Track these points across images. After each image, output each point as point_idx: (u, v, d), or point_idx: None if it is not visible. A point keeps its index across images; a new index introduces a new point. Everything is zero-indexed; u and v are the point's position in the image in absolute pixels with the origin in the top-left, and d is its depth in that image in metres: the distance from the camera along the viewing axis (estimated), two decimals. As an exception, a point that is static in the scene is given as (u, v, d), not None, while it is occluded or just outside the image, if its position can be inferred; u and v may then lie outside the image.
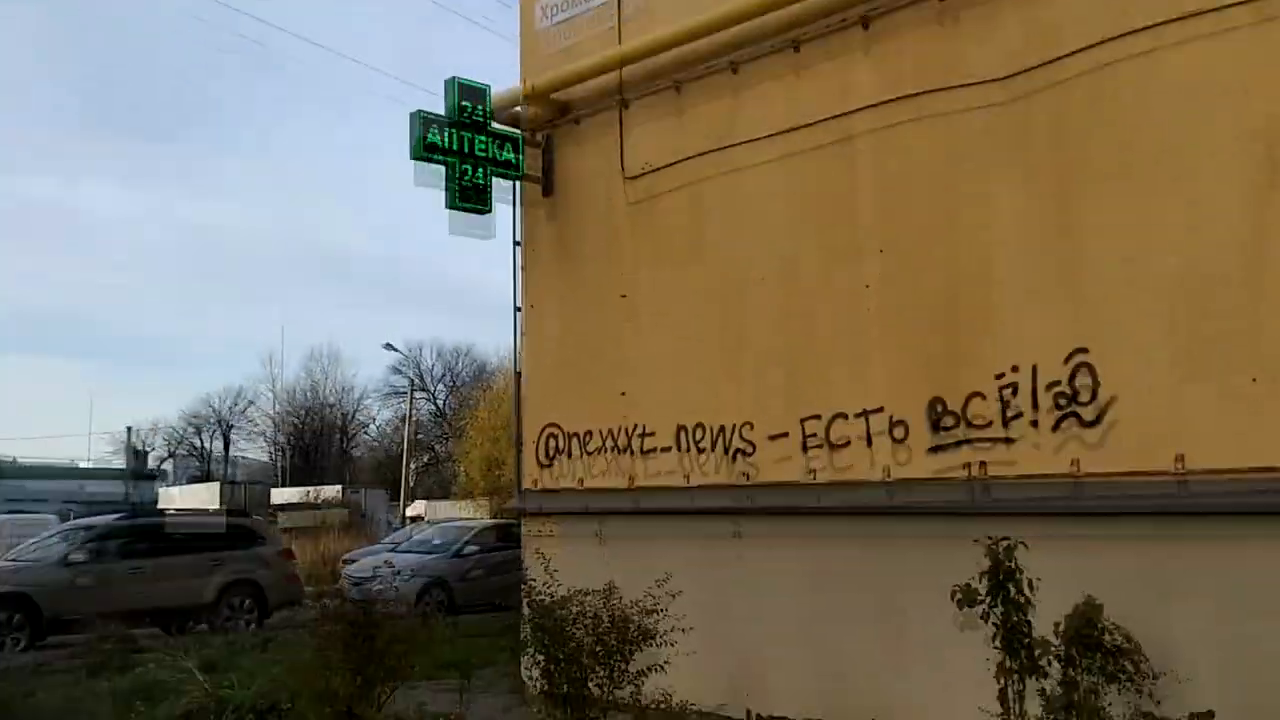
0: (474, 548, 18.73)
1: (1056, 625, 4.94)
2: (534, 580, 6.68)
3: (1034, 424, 6.84)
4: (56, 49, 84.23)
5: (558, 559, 7.48)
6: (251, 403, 68.28)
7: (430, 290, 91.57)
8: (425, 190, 9.33)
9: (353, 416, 70.98)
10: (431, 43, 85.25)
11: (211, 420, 69.81)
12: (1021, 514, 6.55)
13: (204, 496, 35.47)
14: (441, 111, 9.28)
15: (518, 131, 9.88)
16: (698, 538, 8.41)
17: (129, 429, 53.13)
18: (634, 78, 9.25)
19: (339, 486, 47.30)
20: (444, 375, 67.74)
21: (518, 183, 10.07)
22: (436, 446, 64.88)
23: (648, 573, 6.90)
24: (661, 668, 6.42)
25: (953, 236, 7.28)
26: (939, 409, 7.27)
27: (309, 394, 68.14)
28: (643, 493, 8.89)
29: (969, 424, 7.12)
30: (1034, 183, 6.93)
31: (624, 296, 9.26)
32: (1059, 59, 6.77)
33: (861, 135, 7.79)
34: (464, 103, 9.32)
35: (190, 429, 70.27)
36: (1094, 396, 6.59)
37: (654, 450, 8.87)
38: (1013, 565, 4.76)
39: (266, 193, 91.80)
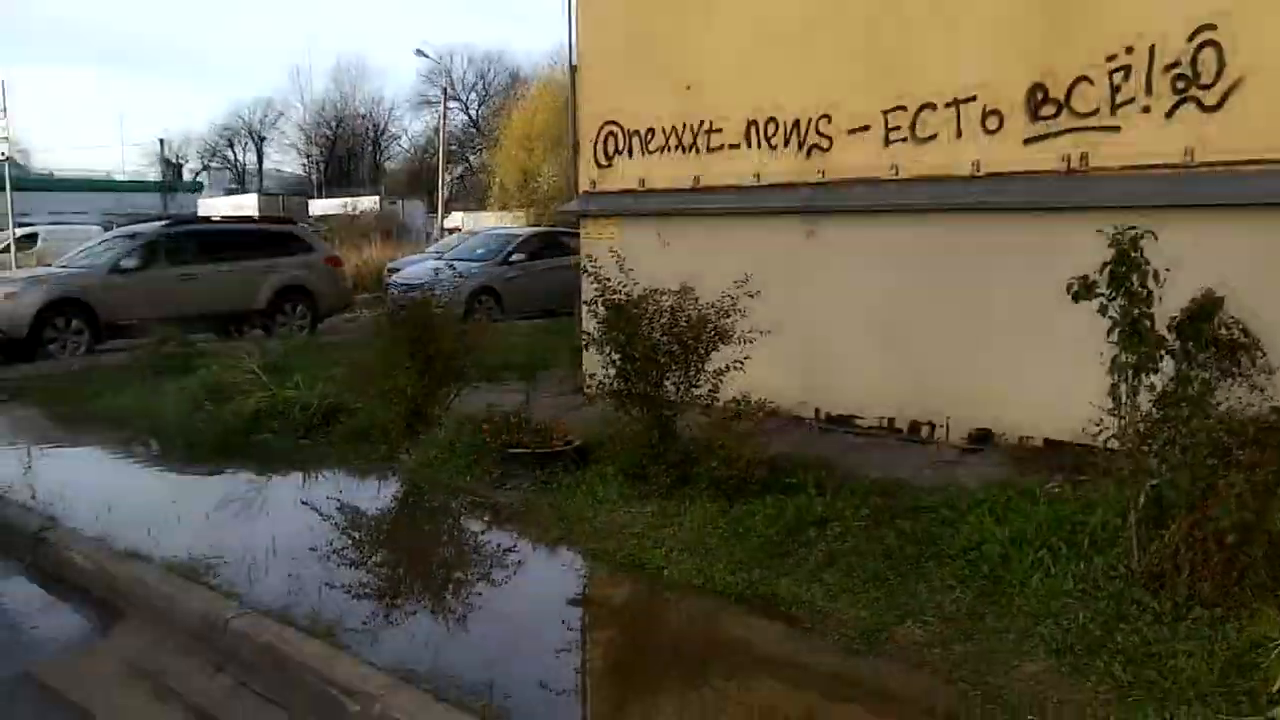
0: (520, 255, 18.59)
1: (1171, 320, 4.65)
2: (608, 279, 6.41)
3: (1145, 110, 6.30)
4: None
5: (602, 265, 7.15)
6: (281, 114, 67.25)
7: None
8: None
9: (384, 129, 69.89)
10: None
11: (243, 132, 69.02)
12: (1126, 207, 6.08)
13: (242, 207, 35.39)
14: None
15: None
16: (767, 239, 8.07)
17: (161, 141, 52.60)
18: None
19: (376, 197, 47.08)
20: (476, 83, 66.02)
21: None
22: (470, 157, 64.11)
23: (714, 276, 6.61)
24: (739, 366, 6.23)
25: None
26: (1038, 96, 6.70)
27: (338, 105, 66.85)
28: (709, 192, 8.48)
29: (1071, 111, 6.58)
30: None
31: (692, -22, 8.49)
32: None
33: None
34: None
35: (222, 141, 69.63)
36: (1217, 78, 6.00)
37: (721, 147, 8.38)
38: (1138, 256, 4.42)
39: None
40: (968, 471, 6.48)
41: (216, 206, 39.18)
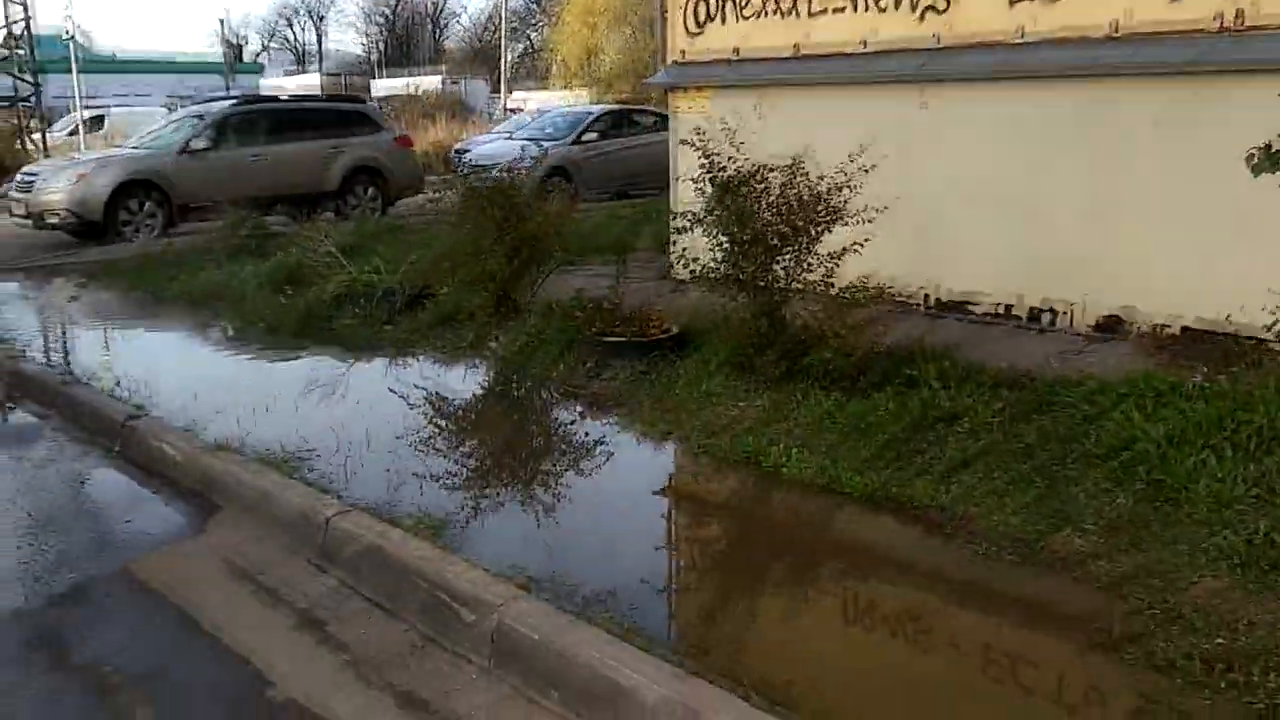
0: (592, 134, 17.96)
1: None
2: (716, 154, 5.93)
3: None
4: None
5: (710, 138, 6.65)
6: (340, -9, 66.07)
7: None
8: None
9: (443, 6, 68.50)
10: None
11: (302, 11, 68.06)
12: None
13: (310, 87, 34.89)
14: None
15: None
16: (876, 111, 7.48)
17: (221, 21, 51.94)
18: None
19: (438, 77, 46.27)
20: (537, -45, 64.07)
21: None
22: (531, 35, 62.70)
23: (817, 151, 6.09)
24: (858, 248, 5.77)
25: None
26: (1190, -54, 6.00)
27: (397, -18, 65.47)
28: (811, 60, 7.87)
29: (1228, -38, 5.88)
30: None
31: None
32: None
33: None
34: None
35: (281, 21, 68.78)
36: None
37: (825, 10, 7.72)
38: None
39: None
40: (1098, 362, 6.00)
41: (283, 86, 38.70)
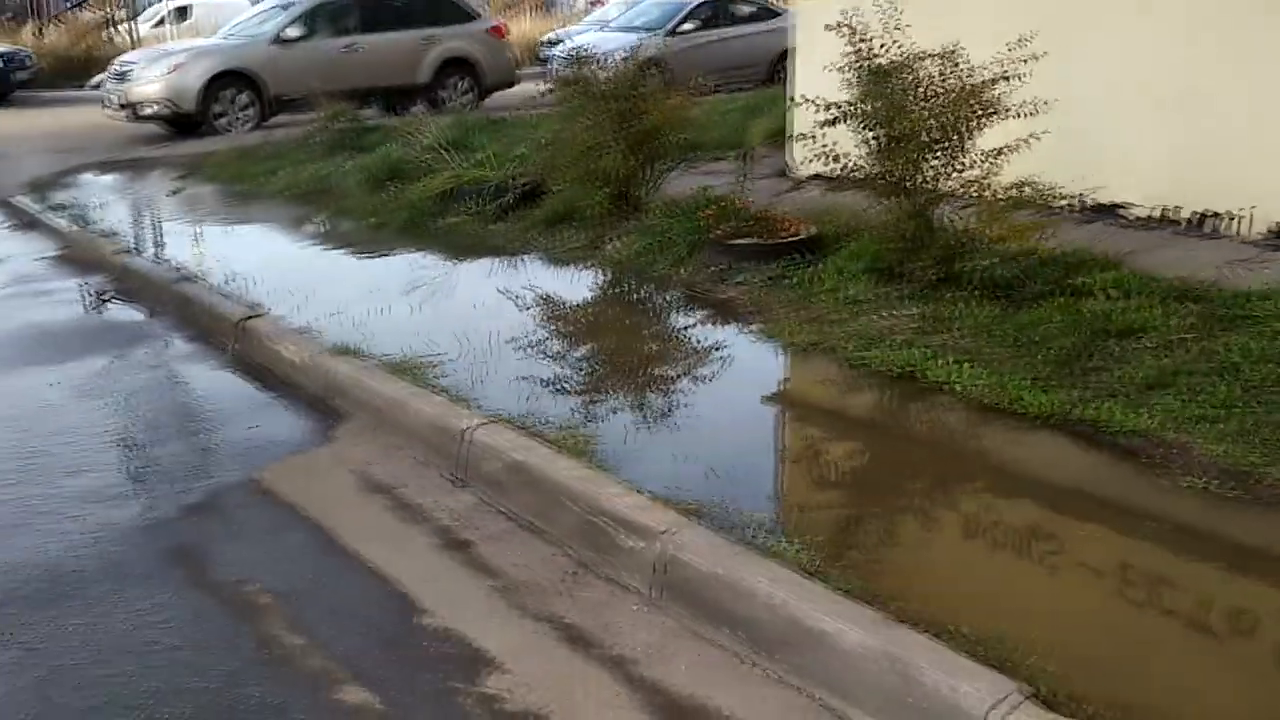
0: (689, 25, 17.20)
1: None
2: (862, 45, 5.41)
3: None
4: None
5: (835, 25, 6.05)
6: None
7: None
8: None
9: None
10: None
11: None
12: None
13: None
14: None
15: None
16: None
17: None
18: None
19: (521, -33, 45.09)
20: None
21: None
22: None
23: (960, 39, 5.52)
24: (1026, 144, 5.24)
25: None
26: None
27: None
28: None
29: None
30: None
31: None
32: None
33: None
34: None
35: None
36: None
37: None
38: None
39: None
40: (1276, 272, 5.47)
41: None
